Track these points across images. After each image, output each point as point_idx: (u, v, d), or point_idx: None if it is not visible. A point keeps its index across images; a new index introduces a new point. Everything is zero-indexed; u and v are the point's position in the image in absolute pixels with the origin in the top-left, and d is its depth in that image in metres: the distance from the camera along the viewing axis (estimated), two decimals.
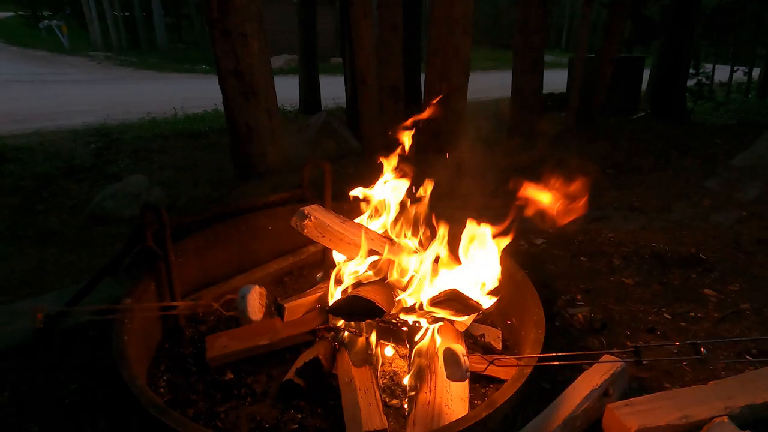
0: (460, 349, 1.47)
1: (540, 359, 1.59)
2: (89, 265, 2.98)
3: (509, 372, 1.84)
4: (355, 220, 2.20)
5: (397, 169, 2.24)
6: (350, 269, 2.03)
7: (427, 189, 2.17)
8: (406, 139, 2.25)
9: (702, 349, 1.32)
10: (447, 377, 1.50)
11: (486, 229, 1.84)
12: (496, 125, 7.21)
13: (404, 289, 1.93)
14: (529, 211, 1.83)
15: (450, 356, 1.45)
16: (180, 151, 6.14)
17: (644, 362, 1.42)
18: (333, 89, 9.25)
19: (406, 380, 1.82)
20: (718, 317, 2.36)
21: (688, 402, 1.61)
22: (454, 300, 1.68)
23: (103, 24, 20.10)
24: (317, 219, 1.99)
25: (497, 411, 1.44)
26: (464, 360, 1.43)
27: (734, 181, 4.29)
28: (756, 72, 11.70)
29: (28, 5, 23.29)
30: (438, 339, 1.88)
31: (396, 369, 1.92)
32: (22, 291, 2.69)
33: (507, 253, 1.96)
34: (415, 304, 1.86)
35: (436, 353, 1.86)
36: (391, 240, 2.11)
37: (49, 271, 2.95)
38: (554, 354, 1.51)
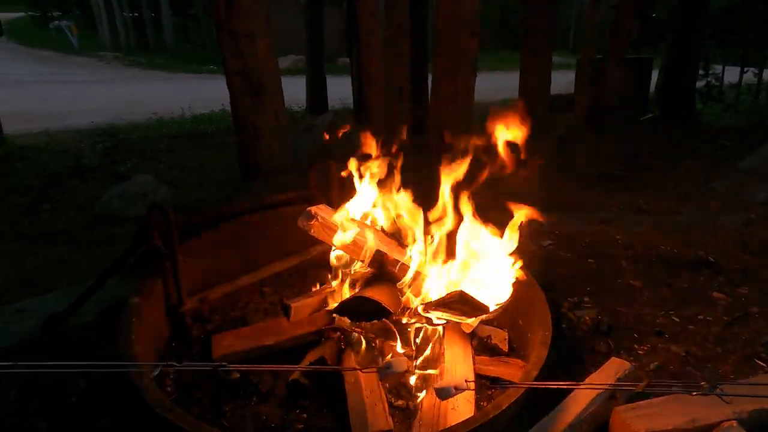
0: (449, 387, 1.43)
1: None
2: (95, 264, 3.00)
3: (516, 374, 1.83)
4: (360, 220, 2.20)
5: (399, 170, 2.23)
6: (355, 269, 2.03)
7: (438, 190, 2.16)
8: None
9: (719, 389, 1.24)
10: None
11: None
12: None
13: (411, 289, 1.93)
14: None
15: (446, 395, 1.42)
16: (187, 151, 6.17)
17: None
18: (340, 89, 9.26)
19: (412, 381, 1.81)
20: (727, 320, 2.33)
21: (696, 406, 1.60)
22: (460, 302, 1.67)
23: (111, 24, 20.23)
24: (324, 219, 1.99)
25: (503, 413, 1.44)
26: (458, 391, 1.40)
27: (743, 183, 4.26)
28: (766, 73, 11.59)
29: (38, 6, 23.48)
30: (445, 339, 1.87)
31: None
32: (28, 289, 2.70)
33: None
34: (421, 305, 1.85)
35: (443, 355, 1.85)
36: (397, 240, 2.11)
37: (55, 270, 2.97)
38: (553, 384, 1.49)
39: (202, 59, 18.35)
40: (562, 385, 1.67)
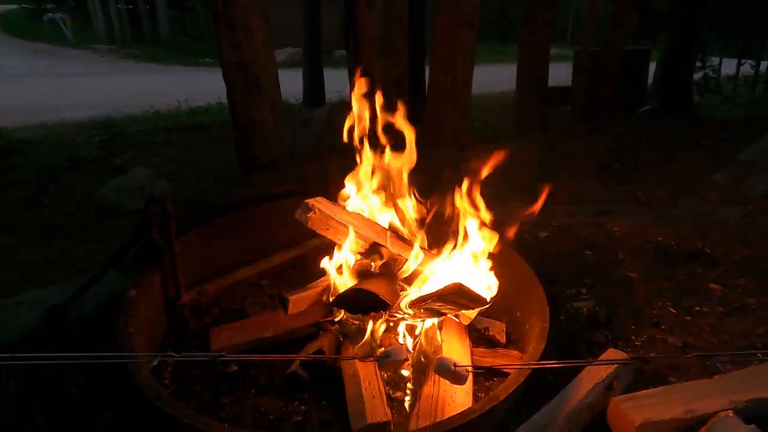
0: (448, 359, 1.43)
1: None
2: (94, 258, 2.99)
3: (513, 365, 1.84)
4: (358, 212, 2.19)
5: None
6: (353, 261, 2.03)
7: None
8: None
9: (710, 362, 1.29)
10: (453, 383, 1.49)
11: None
12: (501, 119, 7.19)
13: (409, 282, 1.93)
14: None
15: (441, 368, 1.43)
16: (184, 144, 6.14)
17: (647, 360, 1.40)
18: (337, 82, 9.22)
19: (410, 373, 1.82)
20: (724, 312, 2.34)
21: (693, 396, 1.61)
22: (458, 294, 1.67)
23: (106, 17, 20.06)
24: (321, 211, 1.99)
25: (501, 404, 1.44)
26: (458, 368, 1.40)
27: (741, 175, 4.26)
28: (764, 65, 11.58)
29: None
30: (442, 331, 1.87)
31: None
32: (28, 284, 2.70)
33: (512, 247, 1.96)
34: (419, 298, 1.85)
35: (440, 347, 1.86)
36: (395, 232, 2.10)
37: (55, 264, 2.97)
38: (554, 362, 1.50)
39: (198, 52, 18.24)
40: (562, 364, 1.68)
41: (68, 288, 2.28)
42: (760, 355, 2.02)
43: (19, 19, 23.29)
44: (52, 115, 7.77)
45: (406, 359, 1.63)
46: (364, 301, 1.77)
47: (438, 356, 1.38)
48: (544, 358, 1.61)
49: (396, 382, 1.81)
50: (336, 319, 2.01)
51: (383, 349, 1.90)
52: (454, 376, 1.41)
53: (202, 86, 10.09)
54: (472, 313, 1.95)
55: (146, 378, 1.50)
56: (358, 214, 2.17)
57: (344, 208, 2.13)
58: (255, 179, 4.27)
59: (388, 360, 1.48)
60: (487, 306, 1.80)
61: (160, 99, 8.97)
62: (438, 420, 1.51)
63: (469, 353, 1.88)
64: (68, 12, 21.55)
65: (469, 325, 2.01)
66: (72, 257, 3.06)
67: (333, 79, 9.31)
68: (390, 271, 1.97)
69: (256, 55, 4.11)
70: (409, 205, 2.18)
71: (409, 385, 1.79)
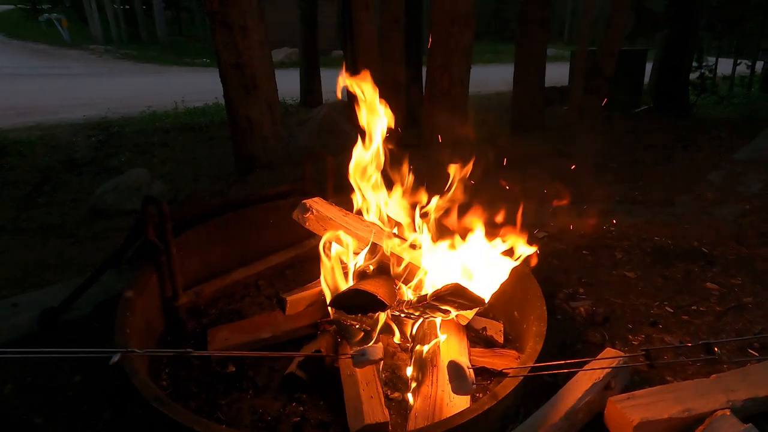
0: (464, 362, 1.44)
1: (534, 368, 1.56)
2: (91, 258, 2.98)
3: (511, 366, 1.84)
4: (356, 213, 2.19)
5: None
6: (351, 262, 2.03)
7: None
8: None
9: (716, 349, 1.31)
10: (453, 391, 1.49)
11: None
12: (498, 119, 7.20)
13: (406, 282, 1.93)
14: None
15: (455, 370, 1.43)
16: (181, 145, 6.13)
17: (655, 366, 1.40)
18: (334, 83, 9.21)
19: (408, 373, 1.82)
20: (721, 311, 2.35)
21: (690, 395, 1.61)
22: (456, 294, 1.67)
23: (103, 17, 20.03)
24: (319, 212, 1.99)
25: (499, 404, 1.44)
26: (470, 373, 1.41)
27: (737, 174, 4.28)
28: (759, 65, 11.62)
29: None
30: (440, 332, 1.87)
31: (398, 362, 1.92)
32: (25, 284, 2.69)
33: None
34: (417, 298, 1.85)
35: (438, 347, 1.86)
36: (393, 233, 2.10)
37: (52, 264, 2.96)
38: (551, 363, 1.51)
39: (195, 52, 18.24)
40: (558, 364, 1.68)
41: (64, 288, 2.28)
42: (757, 352, 2.03)
43: (16, 20, 23.23)
44: (49, 116, 7.74)
45: (382, 359, 1.62)
46: (362, 302, 1.76)
47: (452, 360, 1.39)
48: (542, 357, 1.60)
49: (394, 383, 1.81)
50: (334, 320, 2.00)
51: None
52: (463, 382, 1.41)
53: (199, 86, 10.08)
54: (470, 313, 1.95)
55: (144, 379, 1.49)
56: (355, 214, 2.17)
57: (341, 208, 2.13)
58: (252, 180, 4.27)
59: (363, 359, 1.48)
60: (485, 306, 1.80)
61: (157, 99, 8.94)
62: (436, 420, 1.51)
63: (467, 353, 1.88)
64: (65, 12, 21.52)
65: (466, 325, 2.01)
66: (68, 258, 3.04)
67: (330, 79, 9.27)
68: (387, 271, 1.96)
69: (253, 55, 4.11)
70: (405, 204, 2.18)
71: (407, 385, 1.79)
